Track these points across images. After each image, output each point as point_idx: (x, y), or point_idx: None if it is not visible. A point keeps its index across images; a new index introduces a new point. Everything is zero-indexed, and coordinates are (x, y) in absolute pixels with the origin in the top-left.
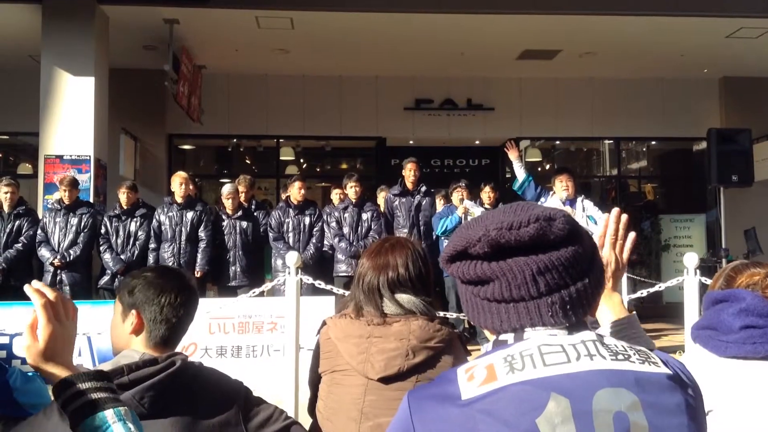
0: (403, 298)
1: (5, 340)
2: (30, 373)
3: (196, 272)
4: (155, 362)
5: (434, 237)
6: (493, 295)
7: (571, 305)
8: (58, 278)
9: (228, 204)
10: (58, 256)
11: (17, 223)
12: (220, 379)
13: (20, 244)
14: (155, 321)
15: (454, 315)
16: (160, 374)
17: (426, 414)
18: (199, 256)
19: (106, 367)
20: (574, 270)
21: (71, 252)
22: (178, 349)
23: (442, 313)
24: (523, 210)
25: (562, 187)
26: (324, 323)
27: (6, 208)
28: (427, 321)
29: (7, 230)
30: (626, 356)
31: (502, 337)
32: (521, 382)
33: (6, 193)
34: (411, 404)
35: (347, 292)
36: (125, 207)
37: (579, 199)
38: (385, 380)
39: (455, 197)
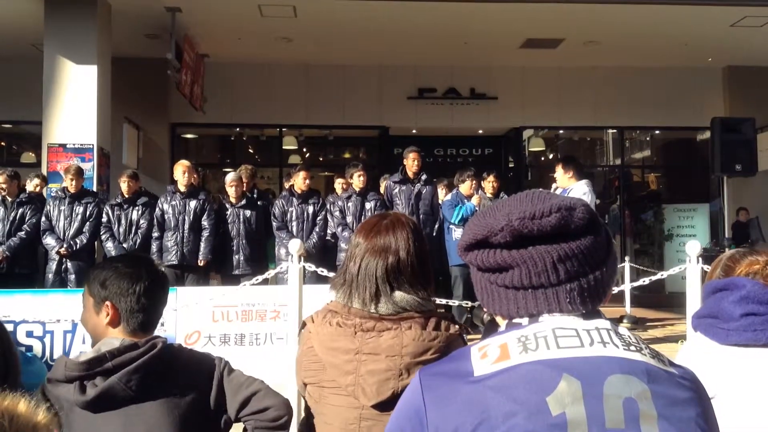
0: (396, 296)
1: (9, 327)
2: (29, 354)
3: (199, 261)
4: (136, 347)
5: (446, 225)
6: (512, 282)
7: (588, 293)
8: (63, 267)
9: (231, 192)
10: (65, 245)
11: (20, 210)
12: (198, 357)
13: (23, 232)
14: (131, 311)
15: (456, 303)
16: (143, 357)
17: (437, 390)
18: (202, 244)
19: (88, 354)
20: (593, 258)
21: (78, 240)
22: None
23: (444, 301)
24: (541, 199)
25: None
26: (304, 324)
27: (8, 196)
28: (422, 329)
29: (11, 218)
30: (638, 348)
31: (517, 319)
32: (534, 361)
33: (3, 183)
34: (422, 380)
35: None
36: (126, 196)
37: (567, 191)
38: (380, 406)
39: (466, 185)
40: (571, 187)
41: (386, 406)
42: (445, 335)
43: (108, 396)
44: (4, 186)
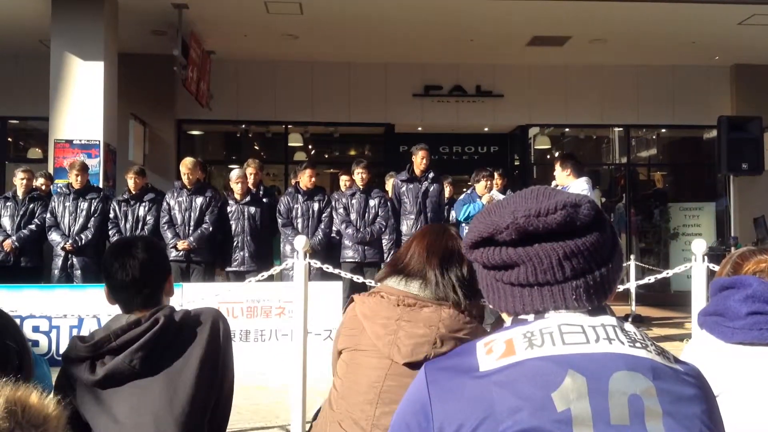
0: (450, 280)
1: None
2: (37, 356)
3: (182, 244)
4: (138, 323)
5: (455, 222)
6: (517, 280)
7: (594, 289)
8: (69, 263)
9: (236, 189)
10: (70, 241)
11: (31, 206)
12: (202, 325)
13: (33, 225)
14: (113, 290)
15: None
16: (145, 335)
17: (442, 384)
18: (194, 233)
19: (99, 332)
20: (599, 255)
21: (83, 236)
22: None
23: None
24: (546, 196)
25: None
26: (352, 300)
27: (20, 194)
28: (458, 312)
29: (21, 213)
30: (644, 345)
31: (522, 315)
32: (539, 357)
33: (22, 179)
34: (428, 374)
35: (355, 277)
36: (133, 192)
37: (565, 189)
38: (410, 365)
39: (481, 185)
40: (569, 184)
41: (414, 366)
42: (476, 325)
43: (115, 375)
44: (24, 182)
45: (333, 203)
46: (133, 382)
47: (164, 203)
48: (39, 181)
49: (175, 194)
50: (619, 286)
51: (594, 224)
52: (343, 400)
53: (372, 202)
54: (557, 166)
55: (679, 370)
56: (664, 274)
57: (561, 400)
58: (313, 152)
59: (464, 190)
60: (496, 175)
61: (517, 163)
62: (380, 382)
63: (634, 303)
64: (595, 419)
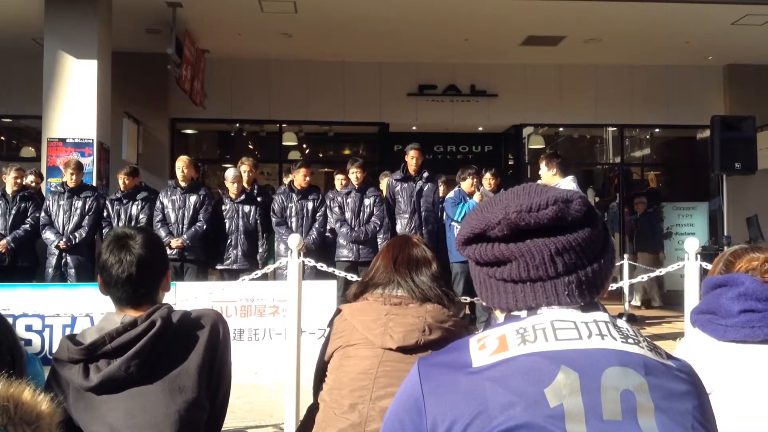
0: (424, 282)
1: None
2: (30, 355)
3: (174, 240)
4: (134, 324)
5: (448, 223)
6: (510, 276)
7: (586, 285)
8: (63, 261)
9: (232, 188)
10: (64, 239)
11: (22, 205)
12: (201, 328)
13: (28, 225)
14: (107, 284)
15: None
16: (142, 338)
17: (435, 380)
18: (188, 231)
19: (91, 332)
20: (590, 251)
21: (77, 235)
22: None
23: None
24: (537, 192)
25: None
26: (339, 310)
27: (10, 192)
28: (441, 308)
29: (13, 212)
30: (636, 341)
31: (515, 312)
32: (532, 353)
33: (16, 178)
34: (421, 370)
35: (349, 276)
36: (124, 191)
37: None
38: (403, 350)
39: (467, 183)
40: (556, 183)
41: (409, 351)
42: (459, 319)
43: (110, 381)
44: (17, 181)
45: (328, 202)
46: (128, 390)
47: (158, 202)
48: (29, 179)
49: (169, 193)
50: (612, 285)
51: (585, 220)
52: (338, 390)
53: (367, 201)
54: (543, 165)
55: (671, 366)
56: (657, 273)
57: (554, 396)
58: (307, 151)
59: (440, 186)
60: (488, 174)
61: (511, 162)
62: (374, 368)
63: (627, 302)
64: (588, 414)
